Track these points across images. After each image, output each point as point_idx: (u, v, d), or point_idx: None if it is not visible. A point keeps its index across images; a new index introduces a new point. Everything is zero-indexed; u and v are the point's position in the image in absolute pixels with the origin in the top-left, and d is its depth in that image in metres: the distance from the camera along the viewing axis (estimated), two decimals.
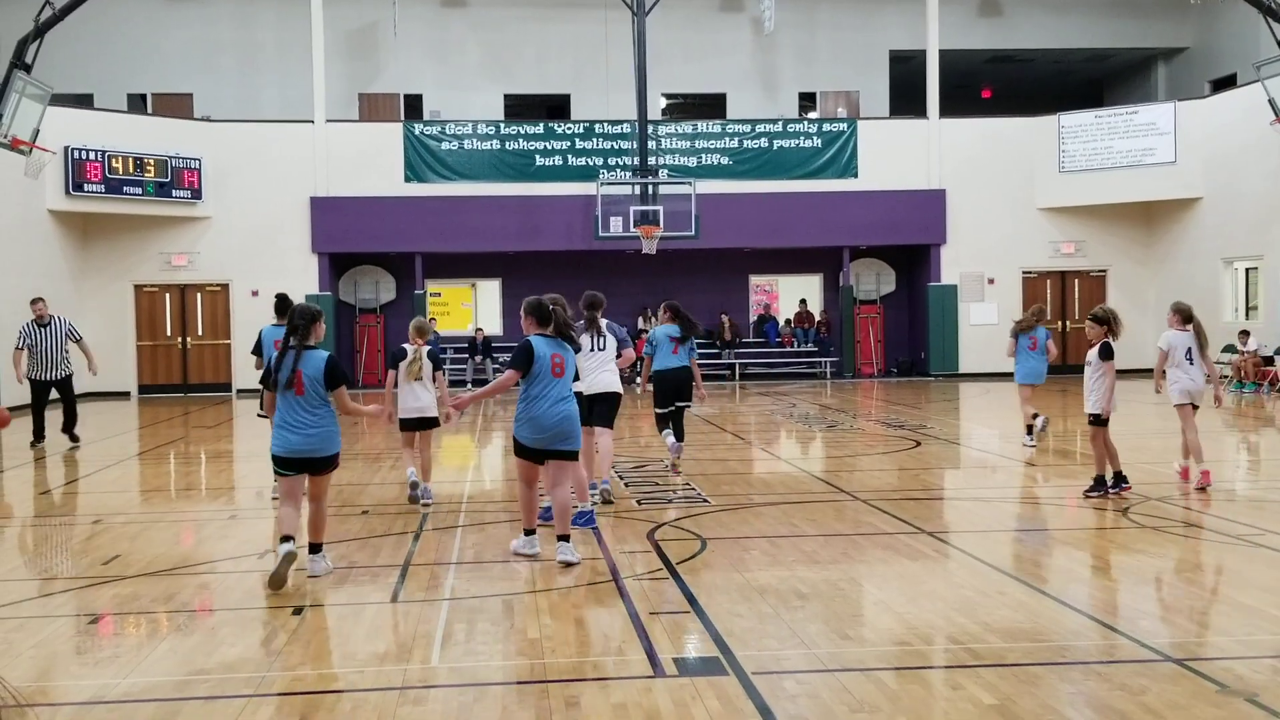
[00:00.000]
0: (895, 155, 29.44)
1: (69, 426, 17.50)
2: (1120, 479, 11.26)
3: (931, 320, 29.61)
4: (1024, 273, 29.91)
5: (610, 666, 6.11)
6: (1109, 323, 11.14)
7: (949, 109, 29.79)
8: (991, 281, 29.76)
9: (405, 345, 11.39)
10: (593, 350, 11.06)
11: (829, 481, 12.85)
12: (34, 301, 17.50)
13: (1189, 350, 12.03)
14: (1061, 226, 29.71)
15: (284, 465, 8.16)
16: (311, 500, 8.35)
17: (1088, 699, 5.49)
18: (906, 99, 31.74)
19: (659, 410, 13.43)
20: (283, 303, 11.37)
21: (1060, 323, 30.05)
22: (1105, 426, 11.21)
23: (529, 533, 8.83)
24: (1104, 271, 30.05)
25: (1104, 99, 35.88)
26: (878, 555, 8.83)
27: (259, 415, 9.92)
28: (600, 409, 11.15)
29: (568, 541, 8.51)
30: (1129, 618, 6.93)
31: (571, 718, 5.32)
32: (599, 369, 11.17)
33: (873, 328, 30.94)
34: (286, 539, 7.96)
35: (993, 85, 36.54)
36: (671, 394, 13.31)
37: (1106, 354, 11.08)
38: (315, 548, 8.35)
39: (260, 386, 8.50)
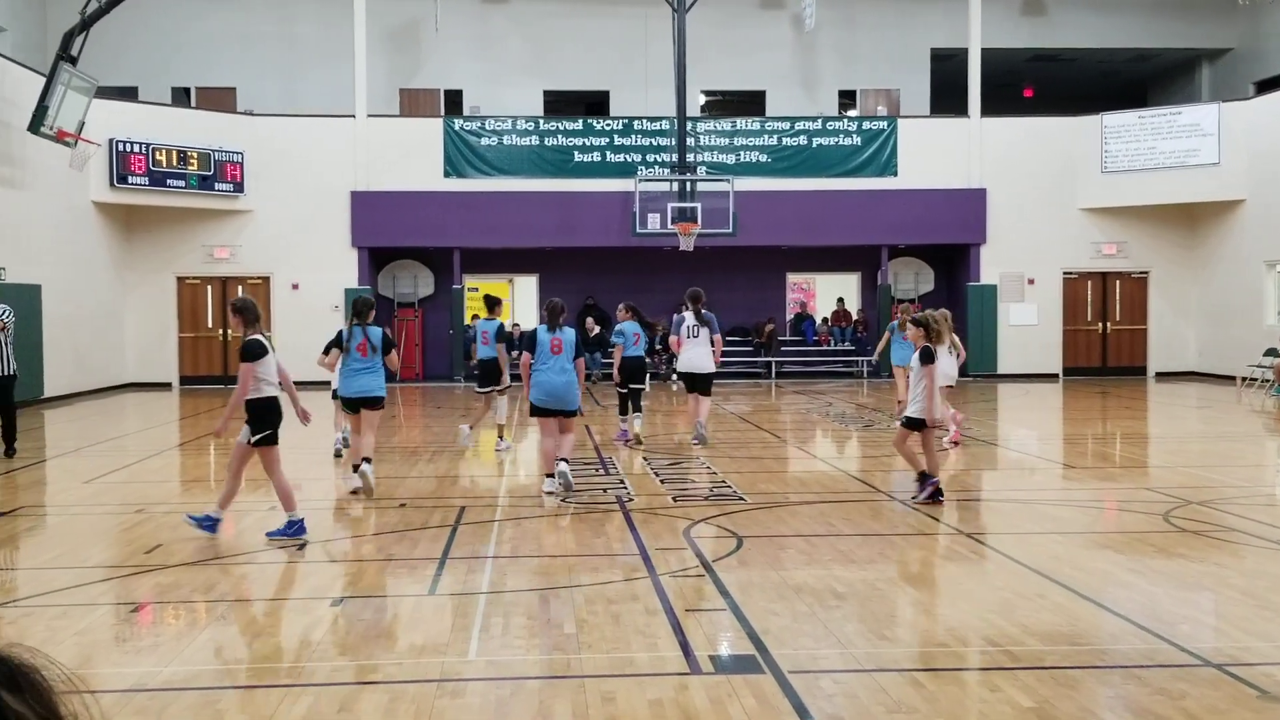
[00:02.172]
0: (935, 154, 29.29)
1: (5, 438, 14.83)
2: (926, 478, 10.98)
3: (970, 320, 29.44)
4: (1064, 273, 29.69)
5: (646, 663, 6.12)
6: (928, 327, 11.02)
7: (990, 108, 29.61)
8: (1031, 282, 29.56)
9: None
10: (691, 336, 15.10)
11: (866, 481, 12.82)
12: None
13: None
14: (1103, 227, 29.47)
15: (350, 405, 11.87)
16: (366, 428, 11.72)
17: (1127, 703, 5.46)
18: (947, 97, 31.56)
19: (620, 390, 16.07)
20: (491, 302, 15.64)
21: (1101, 325, 29.83)
22: (922, 430, 10.99)
23: (549, 476, 11.50)
24: (1145, 273, 29.79)
25: (1147, 99, 35.55)
26: (915, 556, 8.81)
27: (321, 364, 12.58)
28: (696, 381, 15.42)
29: (565, 462, 11.40)
30: (1169, 622, 6.88)
31: (608, 714, 5.34)
32: (694, 349, 15.19)
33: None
34: (366, 460, 11.49)
35: (1035, 84, 36.27)
36: (628, 378, 15.85)
37: (926, 358, 10.91)
38: (367, 460, 11.55)
39: (326, 352, 12.08)
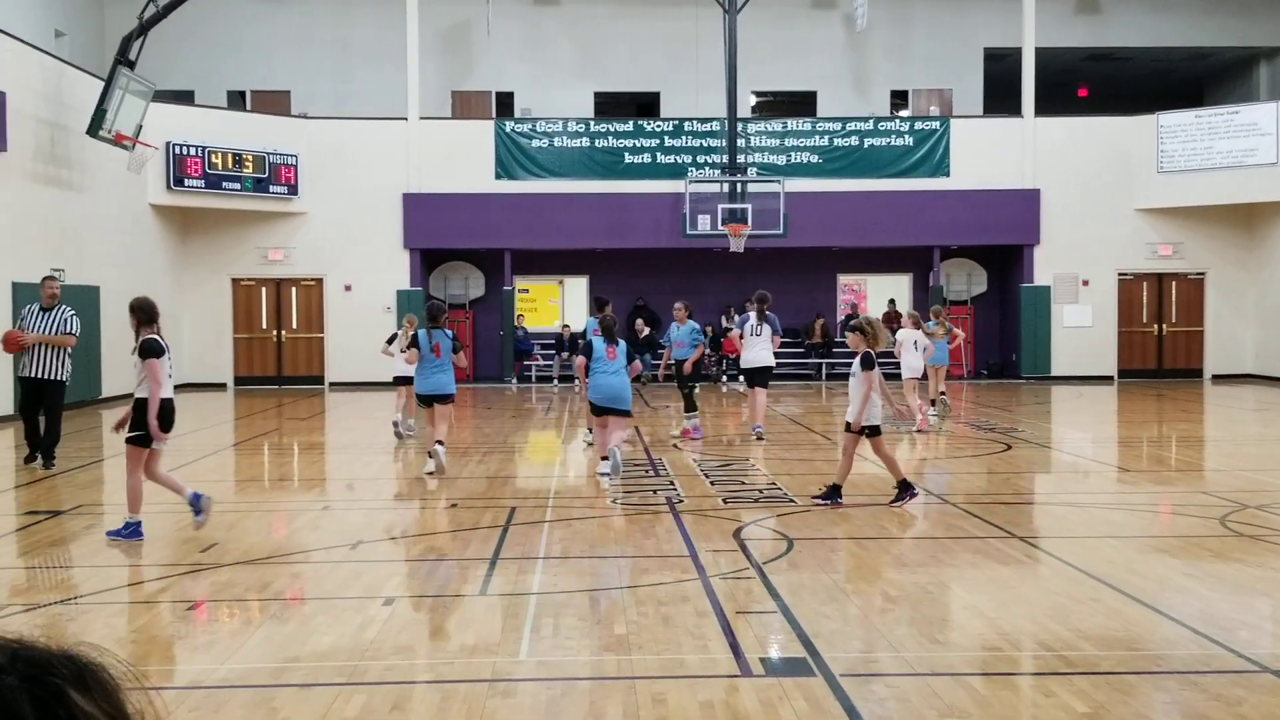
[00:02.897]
0: (989, 154, 29.07)
1: (46, 445, 13.97)
2: (906, 487, 10.86)
3: (1024, 322, 29.19)
4: (1119, 274, 29.36)
5: (697, 664, 6.12)
6: (865, 332, 10.94)
7: (1044, 107, 29.33)
8: (1086, 283, 29.26)
9: (411, 328, 14.83)
10: (754, 335, 16.44)
11: (916, 484, 12.73)
12: (46, 279, 14.32)
13: None
14: (1159, 228, 29.12)
15: (424, 400, 13.66)
16: (440, 419, 13.47)
17: (1183, 709, 5.40)
18: (1001, 97, 31.30)
19: (685, 389, 17.29)
20: (605, 306, 15.71)
21: (1156, 326, 29.47)
22: (868, 436, 10.88)
23: (604, 459, 12.86)
24: (1202, 274, 29.40)
25: (1204, 98, 35.08)
26: (968, 559, 8.75)
27: (383, 352, 16.55)
28: (755, 376, 16.68)
29: (607, 460, 12.73)
30: (1226, 627, 6.78)
31: (658, 715, 5.34)
32: (755, 348, 16.50)
33: (963, 329, 30.55)
34: (439, 442, 13.20)
35: (1090, 84, 35.91)
36: (689, 376, 17.23)
37: (867, 363, 10.84)
38: (440, 443, 13.24)
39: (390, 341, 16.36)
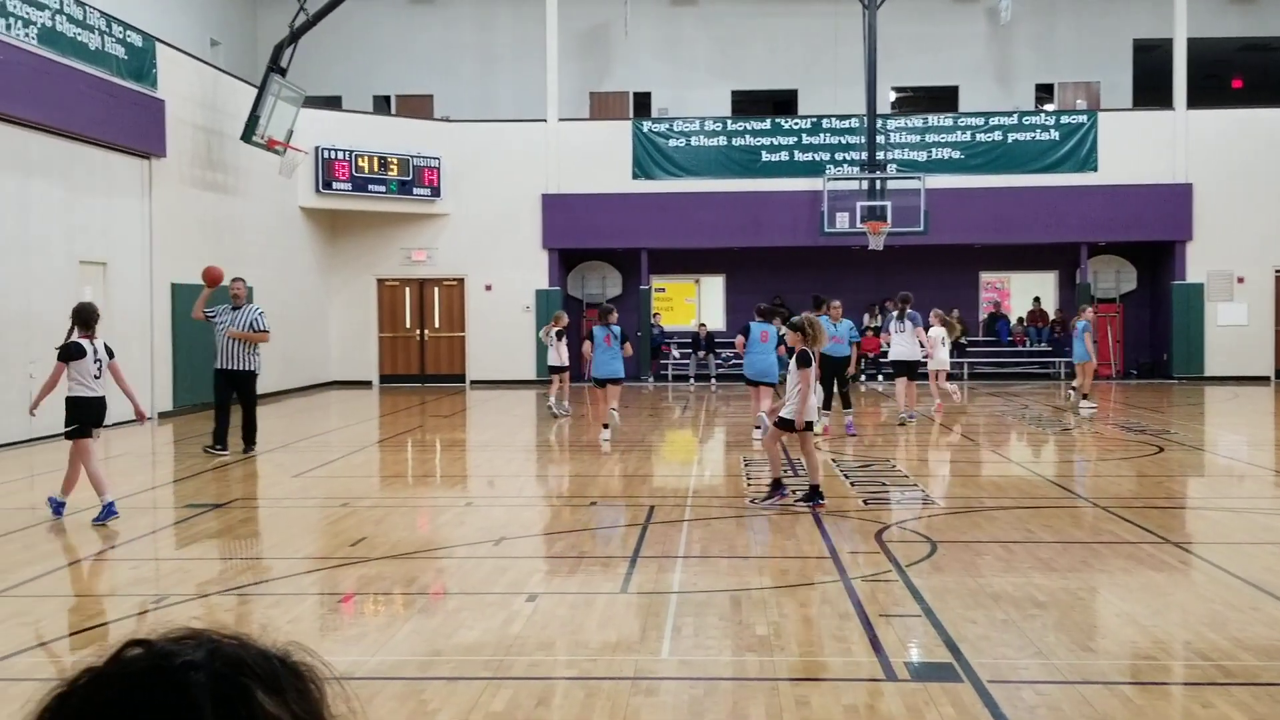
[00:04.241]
0: (1138, 148, 28.23)
1: (246, 433, 15.42)
2: (779, 486, 10.97)
3: (1175, 320, 28.30)
4: (1277, 271, 28.26)
5: (840, 667, 6.07)
6: (805, 331, 10.86)
7: (1197, 100, 28.40)
8: (1241, 280, 28.23)
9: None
10: (898, 332, 18.60)
11: (1064, 486, 12.46)
12: (234, 280, 15.73)
13: None
14: None
15: (599, 382, 16.79)
16: (612, 397, 16.76)
17: None
18: (1151, 89, 30.38)
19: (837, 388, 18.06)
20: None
21: None
22: (797, 432, 10.87)
23: (757, 427, 15.16)
24: None
25: None
26: (1119, 565, 8.52)
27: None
28: (903, 368, 18.68)
29: (758, 428, 15.14)
30: None
31: (802, 717, 5.32)
32: (900, 344, 18.65)
33: (1112, 328, 29.72)
34: (605, 426, 16.48)
35: (1244, 74, 34.61)
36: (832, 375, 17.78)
37: (804, 362, 10.77)
38: (605, 426, 16.40)
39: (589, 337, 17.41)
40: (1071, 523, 10.22)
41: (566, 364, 20.50)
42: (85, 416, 10.38)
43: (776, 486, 11.09)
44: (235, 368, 15.20)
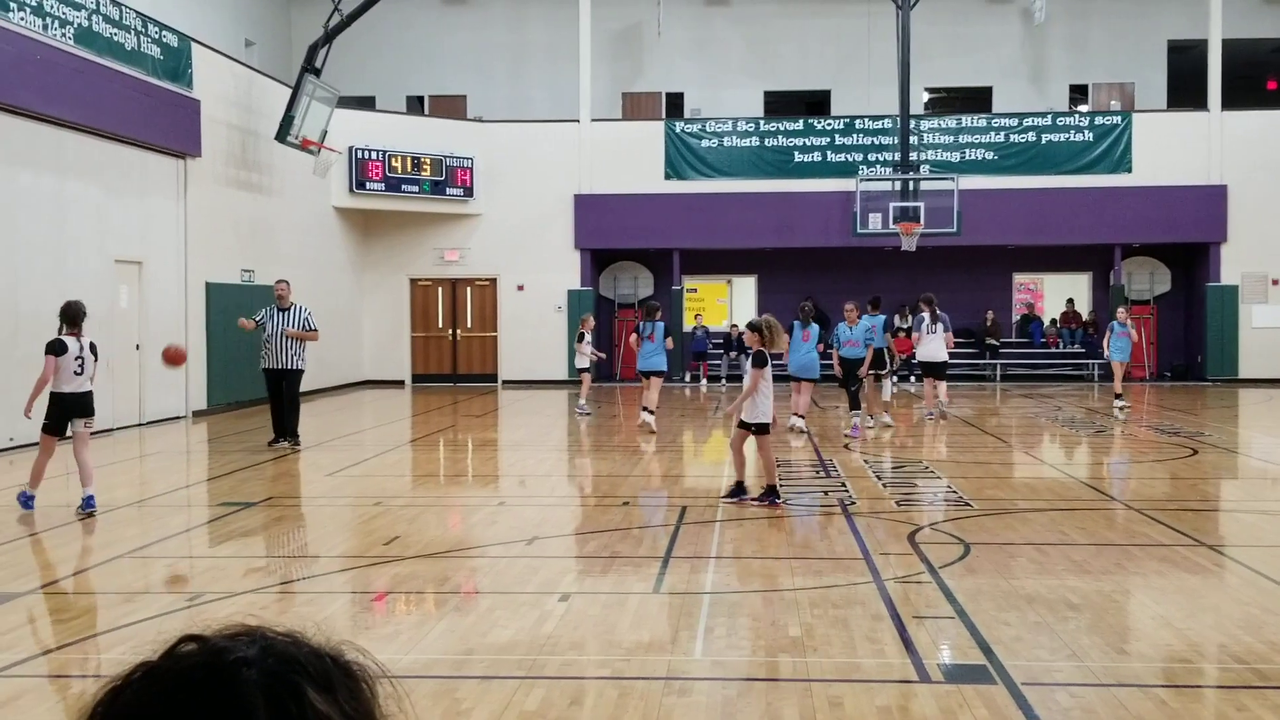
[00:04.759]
0: (1172, 149, 28.04)
1: (290, 426, 16.01)
2: (740, 488, 11.15)
3: (1210, 322, 28.08)
4: None
5: (873, 669, 6.07)
6: (762, 332, 11.04)
7: (1231, 101, 28.16)
8: (1276, 282, 27.98)
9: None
10: (928, 333, 18.93)
11: (1098, 489, 12.39)
12: (278, 282, 16.40)
13: None
14: None
15: (644, 375, 18.09)
16: (653, 390, 17.80)
17: None
18: (1185, 90, 30.15)
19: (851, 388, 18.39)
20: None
21: None
22: (756, 433, 11.10)
23: (799, 416, 17.35)
24: None
25: None
26: (1153, 567, 8.47)
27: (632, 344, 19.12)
28: (930, 368, 19.21)
29: (799, 417, 17.29)
30: None
31: (836, 718, 5.32)
32: (928, 343, 19.05)
33: (1145, 329, 29.51)
34: (645, 409, 17.59)
35: (1279, 76, 34.33)
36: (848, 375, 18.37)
37: (759, 362, 11.01)
38: (649, 410, 17.58)
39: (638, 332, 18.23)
40: (1105, 525, 10.16)
41: (589, 365, 21.08)
42: (60, 412, 10.66)
43: (738, 487, 11.25)
44: (285, 367, 15.84)
